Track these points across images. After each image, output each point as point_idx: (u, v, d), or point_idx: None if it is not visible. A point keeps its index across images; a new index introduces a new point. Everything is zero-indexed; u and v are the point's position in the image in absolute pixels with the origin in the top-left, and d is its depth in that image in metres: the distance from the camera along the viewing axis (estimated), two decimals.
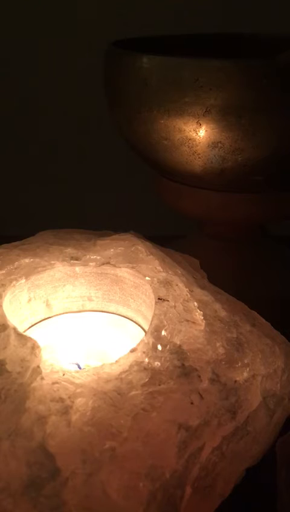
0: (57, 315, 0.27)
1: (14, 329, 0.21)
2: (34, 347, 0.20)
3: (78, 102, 0.50)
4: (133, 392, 0.19)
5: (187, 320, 0.22)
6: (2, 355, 0.20)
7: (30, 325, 0.27)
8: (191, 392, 0.19)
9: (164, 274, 0.24)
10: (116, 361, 0.20)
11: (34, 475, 0.17)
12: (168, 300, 0.23)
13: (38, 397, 0.18)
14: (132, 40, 0.36)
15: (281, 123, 0.28)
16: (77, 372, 0.20)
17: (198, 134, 0.29)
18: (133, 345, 0.21)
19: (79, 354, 0.27)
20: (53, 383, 0.19)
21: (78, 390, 0.19)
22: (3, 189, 0.54)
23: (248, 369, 0.21)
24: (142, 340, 0.21)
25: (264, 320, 0.24)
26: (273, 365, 0.22)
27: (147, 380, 0.19)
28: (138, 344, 0.21)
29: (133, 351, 0.21)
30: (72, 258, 0.26)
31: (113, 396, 0.19)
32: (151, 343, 0.21)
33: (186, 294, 0.23)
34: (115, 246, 0.26)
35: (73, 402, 0.18)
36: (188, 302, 0.23)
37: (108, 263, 0.26)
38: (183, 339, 0.21)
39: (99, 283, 0.27)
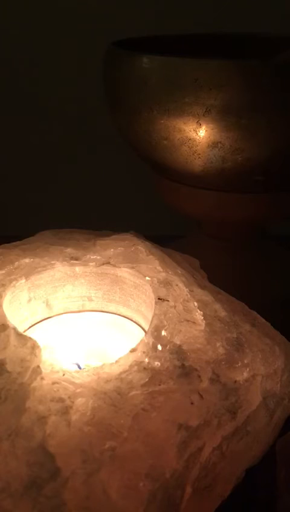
0: (57, 315, 0.27)
1: (14, 329, 0.21)
2: (34, 347, 0.20)
3: (78, 102, 0.50)
4: (133, 392, 0.19)
5: (187, 320, 0.22)
6: (2, 355, 0.20)
7: (30, 325, 0.27)
8: (191, 392, 0.19)
9: (164, 274, 0.24)
10: (116, 361, 0.20)
11: (34, 475, 0.17)
12: (168, 300, 0.23)
13: (38, 397, 0.18)
14: (132, 40, 0.36)
15: (281, 123, 0.28)
16: (77, 372, 0.20)
17: (198, 134, 0.29)
18: (133, 345, 0.21)
19: (79, 354, 0.27)
20: (53, 383, 0.19)
21: (78, 390, 0.19)
22: (3, 189, 0.54)
23: (248, 369, 0.21)
24: (142, 340, 0.21)
25: (264, 320, 0.24)
26: (273, 365, 0.22)
27: (147, 380, 0.19)
28: (138, 344, 0.21)
29: (133, 351, 0.21)
30: (72, 258, 0.26)
31: (113, 396, 0.19)
32: (151, 343, 0.21)
33: (187, 294, 0.23)
34: (115, 246, 0.26)
35: (73, 402, 0.18)
36: (188, 302, 0.23)
37: (108, 263, 0.26)
38: (183, 339, 0.21)
39: (99, 283, 0.27)
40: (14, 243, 0.27)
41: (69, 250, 0.26)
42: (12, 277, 0.24)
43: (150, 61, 0.29)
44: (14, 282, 0.24)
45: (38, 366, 0.19)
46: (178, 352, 0.21)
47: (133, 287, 0.26)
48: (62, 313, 0.28)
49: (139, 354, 0.20)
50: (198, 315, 0.22)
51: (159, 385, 0.19)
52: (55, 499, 0.16)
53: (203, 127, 0.28)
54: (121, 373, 0.20)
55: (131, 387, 0.19)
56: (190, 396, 0.19)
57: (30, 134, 0.52)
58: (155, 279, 0.24)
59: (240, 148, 0.29)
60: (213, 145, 0.29)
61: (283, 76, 0.27)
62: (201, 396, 0.19)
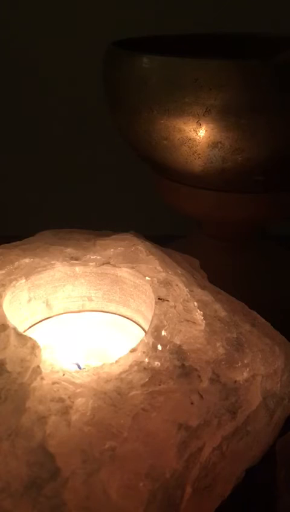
0: (57, 315, 0.27)
1: (14, 329, 0.21)
2: (34, 347, 0.20)
3: (78, 102, 0.50)
4: (133, 392, 0.19)
5: (187, 320, 0.22)
6: (2, 355, 0.20)
7: (30, 325, 0.27)
8: (191, 392, 0.19)
9: (164, 274, 0.24)
10: (116, 361, 0.20)
11: (34, 475, 0.17)
12: (168, 300, 0.23)
13: (38, 397, 0.18)
14: (132, 40, 0.36)
15: (281, 123, 0.28)
16: (77, 372, 0.20)
17: (198, 134, 0.29)
18: (133, 345, 0.21)
19: (79, 354, 0.27)
20: (53, 383, 0.19)
21: (78, 390, 0.19)
22: (3, 189, 0.54)
23: (248, 369, 0.21)
24: (142, 340, 0.21)
25: (264, 320, 0.24)
26: (273, 365, 0.22)
27: (147, 380, 0.19)
28: (138, 344, 0.21)
29: (133, 351, 0.21)
30: (72, 258, 0.26)
31: (113, 396, 0.19)
32: (151, 343, 0.21)
33: (187, 294, 0.23)
34: (115, 246, 0.26)
35: (73, 402, 0.18)
36: (188, 302, 0.23)
37: (108, 263, 0.26)
38: (183, 339, 0.21)
39: (100, 283, 0.27)
40: (14, 243, 0.27)
41: (69, 250, 0.26)
42: (12, 277, 0.24)
43: (150, 61, 0.29)
44: (14, 282, 0.24)
45: (38, 366, 0.19)
46: (178, 352, 0.21)
47: (133, 287, 0.26)
48: (62, 313, 0.28)
49: (139, 354, 0.20)
50: (198, 315, 0.22)
51: (159, 385, 0.19)
52: (55, 499, 0.16)
53: (203, 127, 0.28)
54: (121, 373, 0.20)
55: (131, 387, 0.19)
56: (190, 396, 0.19)
57: (30, 134, 0.52)
58: (155, 279, 0.24)
59: (240, 148, 0.29)
60: (213, 145, 0.29)
61: (283, 76, 0.27)
62: (201, 396, 0.19)
